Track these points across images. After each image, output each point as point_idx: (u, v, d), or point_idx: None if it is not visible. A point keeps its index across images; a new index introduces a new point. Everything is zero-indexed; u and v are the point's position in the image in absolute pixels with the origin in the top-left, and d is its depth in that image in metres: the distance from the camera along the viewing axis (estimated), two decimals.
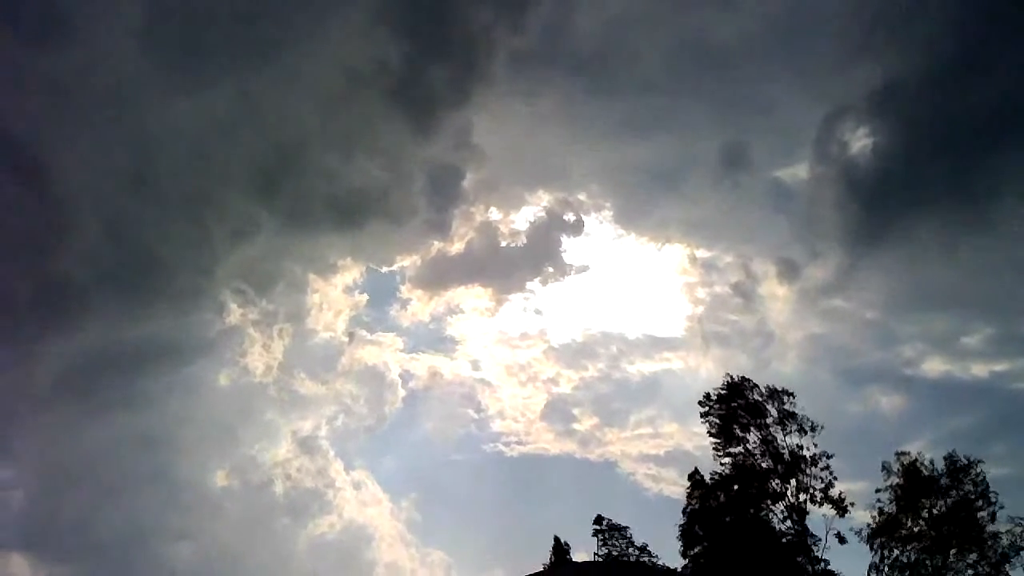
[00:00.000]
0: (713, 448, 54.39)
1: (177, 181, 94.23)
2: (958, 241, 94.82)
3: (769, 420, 53.51)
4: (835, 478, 52.06)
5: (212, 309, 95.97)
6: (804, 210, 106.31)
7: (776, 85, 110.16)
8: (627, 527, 55.01)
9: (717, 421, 54.45)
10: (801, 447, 52.52)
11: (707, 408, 54.80)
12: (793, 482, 52.26)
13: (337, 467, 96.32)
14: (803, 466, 52.27)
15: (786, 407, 53.37)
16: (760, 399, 53.87)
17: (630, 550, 55.97)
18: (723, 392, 54.64)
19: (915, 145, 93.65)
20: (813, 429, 52.71)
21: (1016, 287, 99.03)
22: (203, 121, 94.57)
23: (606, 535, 54.19)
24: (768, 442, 53.09)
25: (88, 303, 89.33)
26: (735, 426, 53.94)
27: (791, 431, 52.83)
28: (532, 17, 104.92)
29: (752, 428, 53.60)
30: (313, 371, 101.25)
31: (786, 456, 52.57)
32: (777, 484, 52.52)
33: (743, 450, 53.46)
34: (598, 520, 54.73)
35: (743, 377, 54.99)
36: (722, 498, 53.91)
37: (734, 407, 54.03)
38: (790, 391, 53.84)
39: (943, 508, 50.40)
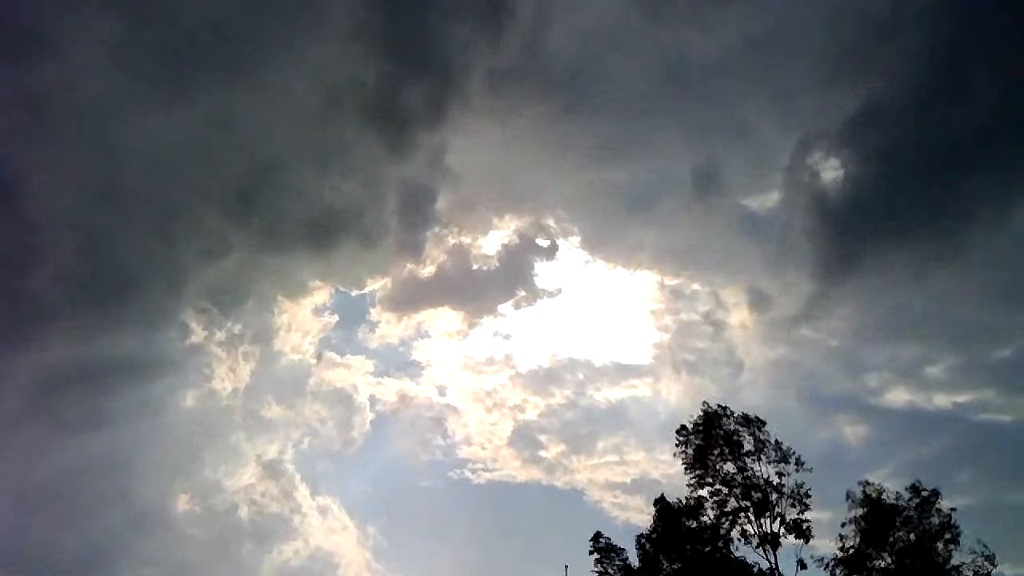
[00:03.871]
0: (689, 484, 54.08)
1: (149, 198, 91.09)
2: (928, 270, 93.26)
3: (745, 450, 53.23)
4: (808, 507, 52.18)
5: (178, 328, 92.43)
6: (775, 238, 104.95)
7: (750, 108, 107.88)
8: (624, 549, 53.81)
9: (692, 452, 53.91)
10: (781, 474, 52.57)
11: (684, 439, 54.31)
12: (767, 515, 52.04)
13: (303, 492, 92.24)
14: (777, 498, 52.12)
15: (761, 436, 53.14)
16: (736, 427, 53.61)
17: None
18: (700, 423, 54.17)
19: (887, 173, 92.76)
20: (786, 460, 52.70)
21: (982, 316, 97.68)
22: (177, 138, 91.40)
23: (602, 555, 52.82)
24: (743, 470, 52.86)
25: (55, 320, 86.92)
26: (711, 457, 53.54)
27: (770, 460, 52.80)
28: (510, 35, 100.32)
29: (728, 459, 53.32)
30: (280, 393, 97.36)
31: (761, 488, 52.36)
32: (751, 516, 52.27)
33: (719, 483, 53.16)
34: (596, 538, 53.55)
35: (720, 405, 54.71)
36: (694, 525, 53.18)
37: (711, 438, 53.62)
38: (761, 419, 53.80)
39: (908, 541, 50.44)
